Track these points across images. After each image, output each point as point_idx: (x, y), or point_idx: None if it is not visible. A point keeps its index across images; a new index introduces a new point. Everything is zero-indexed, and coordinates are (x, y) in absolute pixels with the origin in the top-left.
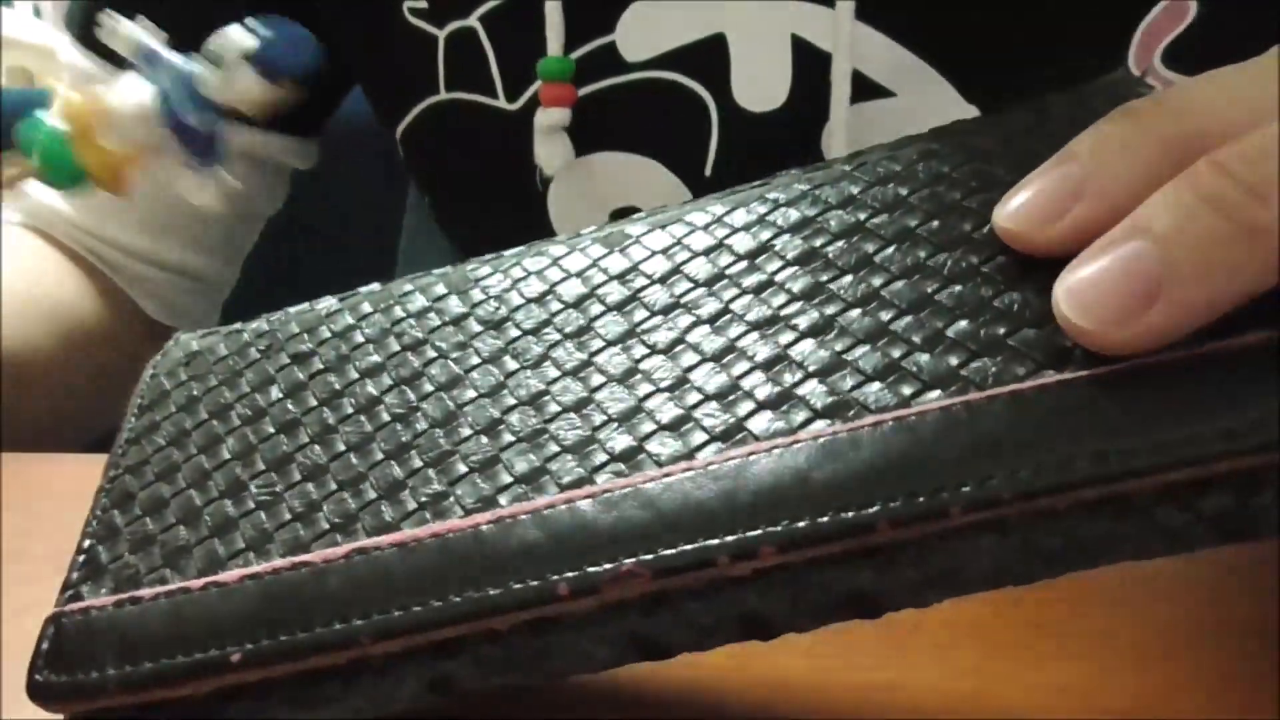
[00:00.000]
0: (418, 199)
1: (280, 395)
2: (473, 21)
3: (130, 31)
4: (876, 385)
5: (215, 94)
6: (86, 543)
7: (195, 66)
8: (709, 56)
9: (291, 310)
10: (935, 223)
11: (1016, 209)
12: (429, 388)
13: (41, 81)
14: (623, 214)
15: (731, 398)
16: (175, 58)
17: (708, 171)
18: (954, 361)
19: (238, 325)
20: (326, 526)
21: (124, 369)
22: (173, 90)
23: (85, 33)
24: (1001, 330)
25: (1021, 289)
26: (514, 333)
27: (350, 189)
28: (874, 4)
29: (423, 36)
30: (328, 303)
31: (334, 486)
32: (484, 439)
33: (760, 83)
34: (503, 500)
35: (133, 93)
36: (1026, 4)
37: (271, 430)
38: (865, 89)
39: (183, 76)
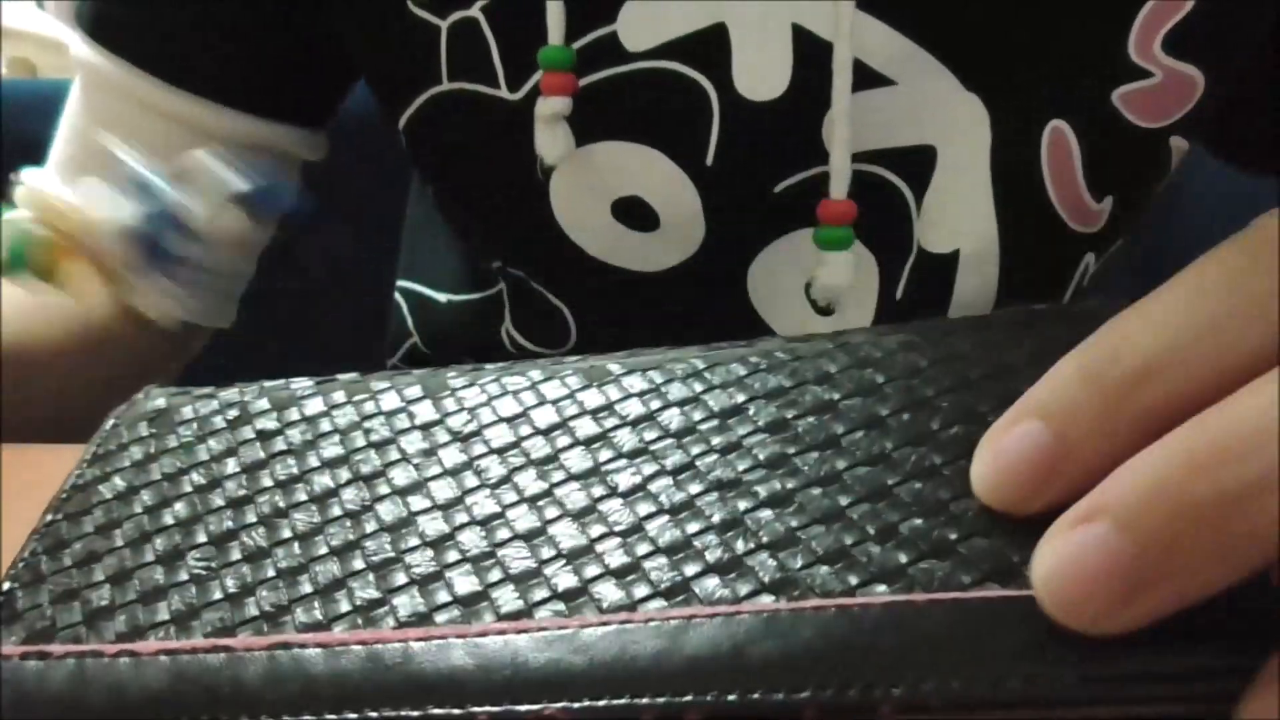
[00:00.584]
0: (420, 191)
1: (237, 470)
2: (474, 11)
3: (126, 158)
4: (825, 568)
5: (199, 227)
6: (5, 585)
7: (183, 198)
8: (710, 46)
9: (266, 384)
10: (905, 415)
11: (993, 483)
12: (385, 490)
13: (44, 73)
14: (625, 204)
15: (682, 554)
16: (166, 188)
17: (709, 160)
18: (903, 558)
19: (210, 390)
20: (255, 613)
21: (132, 367)
22: (157, 218)
23: (95, 29)
24: (953, 535)
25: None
26: (480, 449)
27: (351, 182)
28: None
29: (425, 26)
30: (302, 384)
31: (271, 573)
32: (430, 552)
33: (761, 72)
34: (438, 619)
35: (114, 210)
36: None
37: (220, 504)
38: (866, 78)
39: (169, 208)
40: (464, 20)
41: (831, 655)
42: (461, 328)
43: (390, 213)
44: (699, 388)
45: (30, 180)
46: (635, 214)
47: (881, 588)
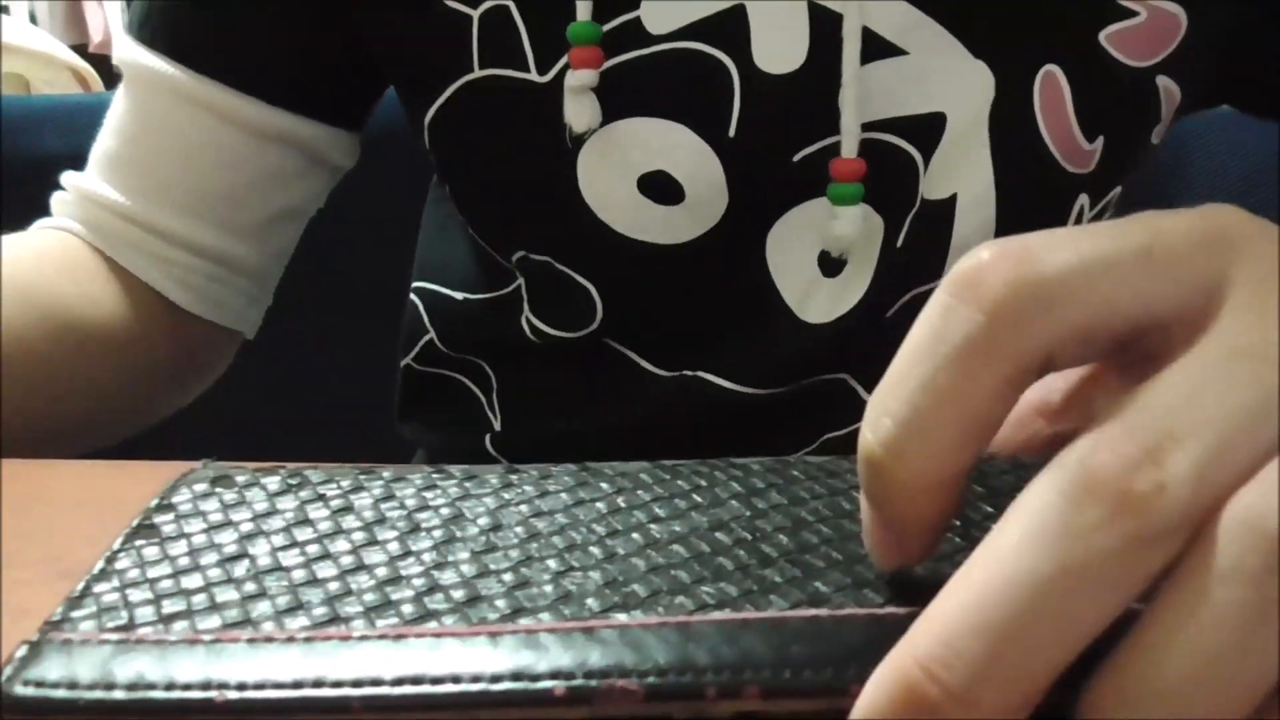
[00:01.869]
0: (435, 197)
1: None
2: (506, 0)
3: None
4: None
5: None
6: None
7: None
8: (730, 25)
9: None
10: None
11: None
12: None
13: (38, 89)
14: (650, 178)
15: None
16: None
17: (731, 133)
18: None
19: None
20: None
21: (142, 372)
22: None
23: (142, 30)
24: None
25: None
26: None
27: (368, 188)
28: None
29: (458, 16)
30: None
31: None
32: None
33: (779, 46)
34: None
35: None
36: None
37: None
38: (878, 48)
39: None
40: (496, 8)
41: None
42: (479, 322)
43: (406, 219)
44: (723, 476)
45: (73, 182)
46: (660, 188)
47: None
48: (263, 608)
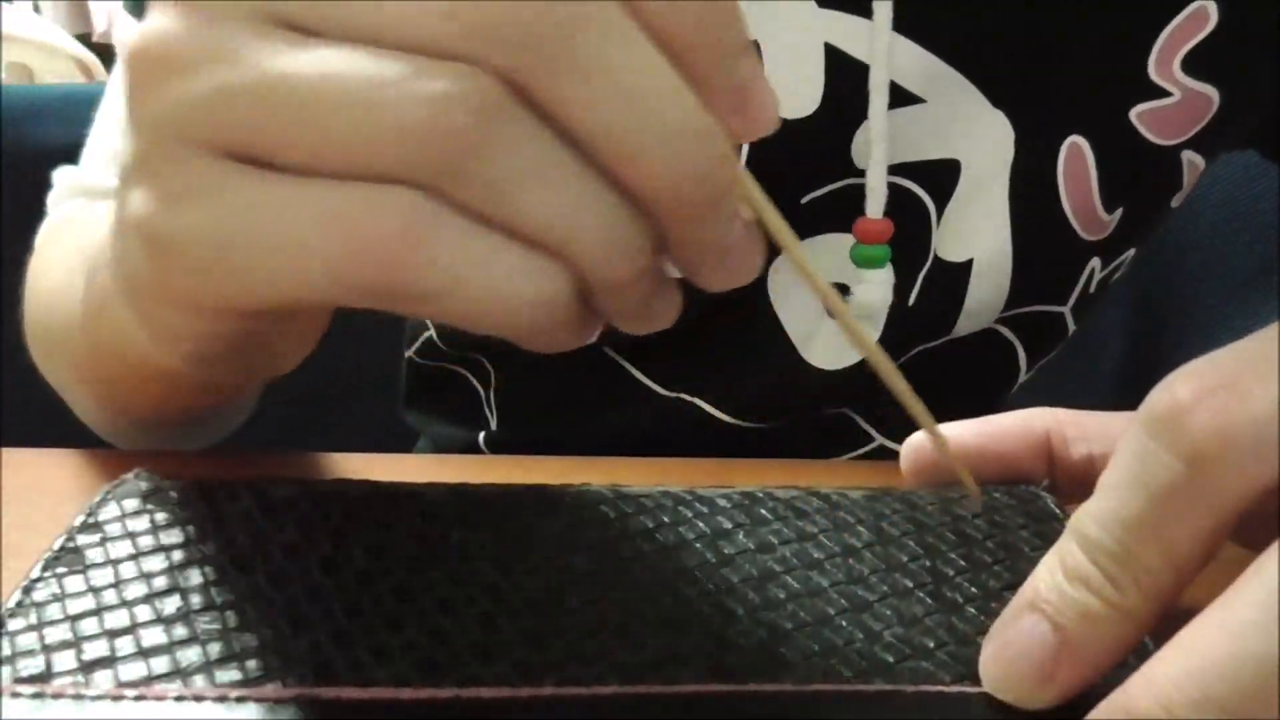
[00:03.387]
0: None
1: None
2: None
3: None
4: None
5: None
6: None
7: None
8: None
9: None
10: (878, 547)
11: (1002, 676)
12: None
13: (41, 79)
14: None
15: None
16: None
17: None
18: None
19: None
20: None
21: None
22: None
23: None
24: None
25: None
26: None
27: None
28: (907, 14)
29: None
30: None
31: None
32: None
33: (793, 90)
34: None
35: None
36: (1052, 14)
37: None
38: (896, 95)
39: None
40: None
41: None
42: None
43: None
44: (688, 514)
45: (69, 180)
46: None
47: (878, 681)
48: (192, 655)
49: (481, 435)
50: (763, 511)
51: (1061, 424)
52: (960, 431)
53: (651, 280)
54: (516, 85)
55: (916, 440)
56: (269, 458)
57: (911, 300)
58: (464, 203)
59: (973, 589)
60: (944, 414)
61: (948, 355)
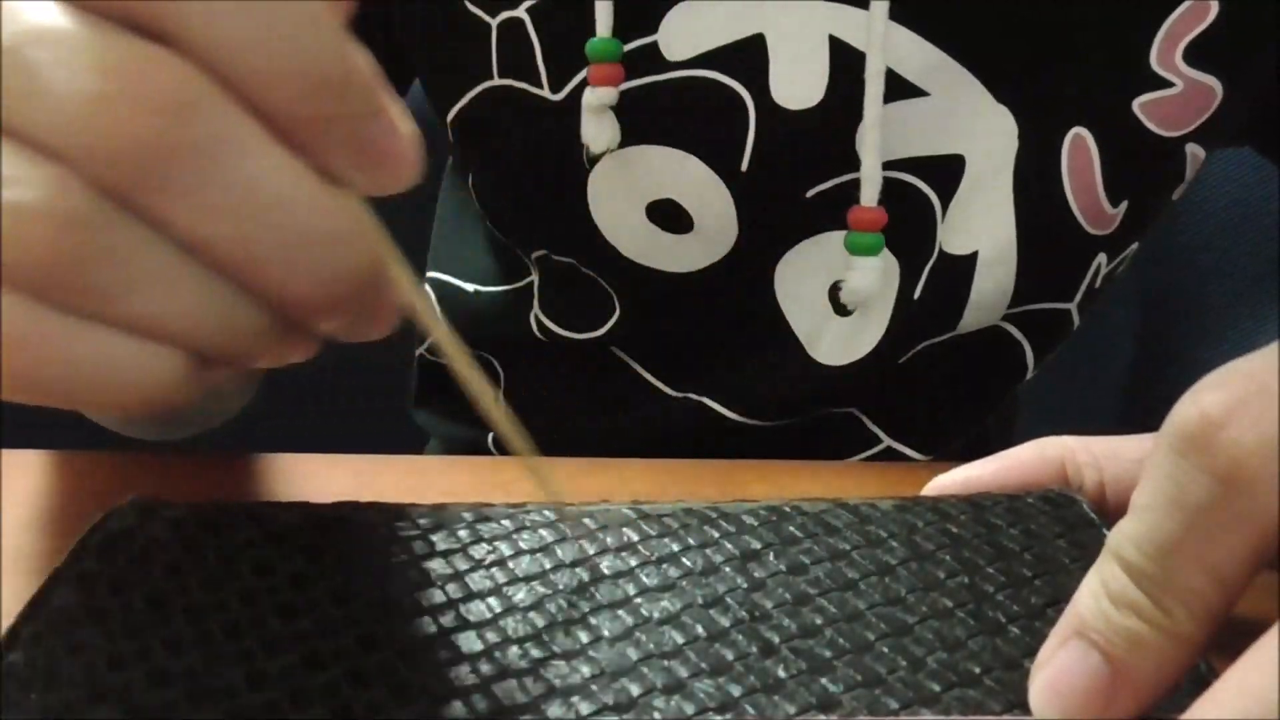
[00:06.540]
0: (450, 187)
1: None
2: (521, 12)
3: None
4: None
5: None
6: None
7: None
8: (748, 56)
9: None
10: (913, 564)
11: (1058, 709)
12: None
13: None
14: (659, 206)
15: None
16: None
17: (744, 166)
18: (936, 687)
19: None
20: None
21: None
22: None
23: None
24: (976, 669)
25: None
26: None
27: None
28: (908, 5)
29: (479, 23)
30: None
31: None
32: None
33: (797, 81)
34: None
35: None
36: (1054, 5)
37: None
38: (900, 88)
39: None
40: (511, 19)
41: None
42: (490, 318)
43: (420, 207)
44: (715, 534)
45: None
46: (669, 216)
47: (925, 712)
48: (175, 693)
49: (490, 435)
50: (791, 529)
51: (1072, 450)
52: (979, 472)
53: (277, 334)
54: (118, 196)
55: None
56: (274, 460)
57: (917, 293)
58: (67, 306)
59: (1015, 607)
60: (951, 411)
61: (955, 353)
